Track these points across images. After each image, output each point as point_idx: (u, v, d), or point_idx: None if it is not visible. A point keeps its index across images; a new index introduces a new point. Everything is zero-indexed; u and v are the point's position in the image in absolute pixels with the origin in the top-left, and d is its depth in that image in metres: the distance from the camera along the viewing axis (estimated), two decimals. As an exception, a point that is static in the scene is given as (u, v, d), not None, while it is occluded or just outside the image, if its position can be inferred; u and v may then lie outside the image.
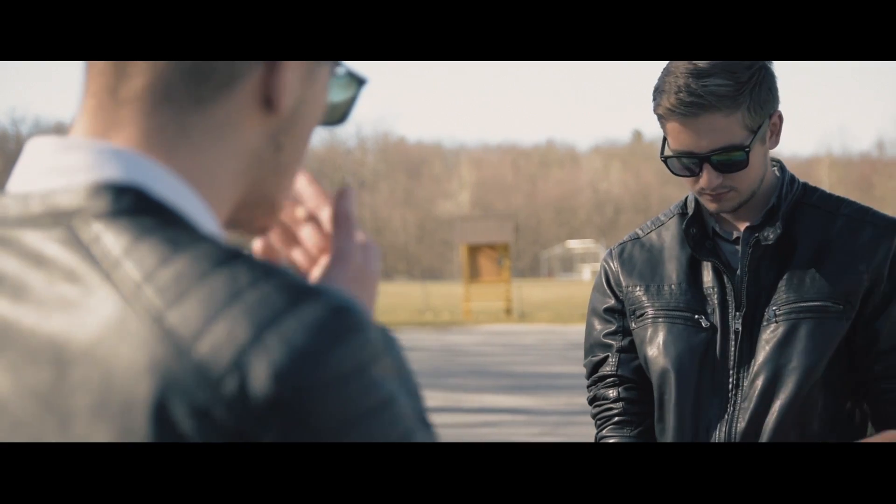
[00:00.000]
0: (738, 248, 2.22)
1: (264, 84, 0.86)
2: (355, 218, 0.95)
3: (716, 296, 2.21)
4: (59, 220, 0.79)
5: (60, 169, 0.81)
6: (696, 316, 2.22)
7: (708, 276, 2.23)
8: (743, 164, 2.10)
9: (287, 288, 0.75)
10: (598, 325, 2.37)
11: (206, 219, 0.83)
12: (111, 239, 0.77)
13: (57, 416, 0.75)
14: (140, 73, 0.83)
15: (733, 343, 2.19)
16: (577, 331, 22.32)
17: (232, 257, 0.76)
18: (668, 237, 2.32)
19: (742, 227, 2.23)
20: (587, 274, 61.07)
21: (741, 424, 2.16)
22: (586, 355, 2.41)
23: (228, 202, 0.87)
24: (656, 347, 2.25)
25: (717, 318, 2.21)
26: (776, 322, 2.16)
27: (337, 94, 0.95)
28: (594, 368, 2.37)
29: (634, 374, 2.32)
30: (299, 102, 0.88)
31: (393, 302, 37.14)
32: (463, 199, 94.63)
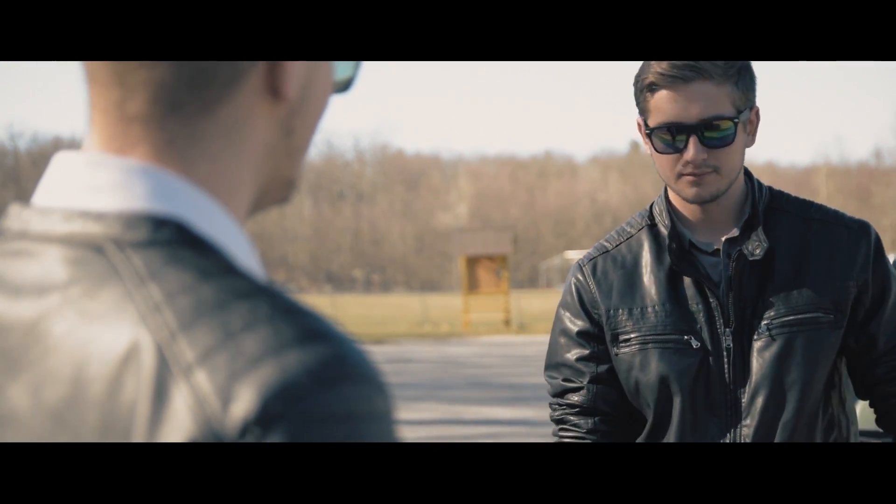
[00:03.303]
0: (718, 259, 2.17)
1: (270, 75, 0.83)
2: None
3: (702, 313, 2.16)
4: (85, 239, 0.78)
5: (91, 188, 0.80)
6: (686, 337, 2.16)
7: (690, 292, 2.17)
8: (730, 139, 2.08)
9: (301, 327, 0.73)
10: (570, 348, 2.26)
11: (239, 241, 0.82)
12: (138, 262, 0.76)
13: (69, 432, 0.74)
14: (143, 85, 0.81)
15: (726, 360, 2.15)
16: (577, 342, 22.26)
17: (257, 291, 0.75)
18: (641, 251, 2.23)
19: (719, 238, 2.18)
20: (586, 284, 60.67)
21: (747, 443, 2.12)
22: (551, 371, 2.31)
23: (249, 200, 0.86)
24: (648, 373, 2.17)
25: (706, 337, 2.15)
26: (769, 336, 2.13)
27: (341, 72, 0.94)
28: (563, 392, 2.27)
29: (608, 406, 2.24)
30: (307, 82, 0.86)
31: (392, 314, 37.10)
32: (461, 211, 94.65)
